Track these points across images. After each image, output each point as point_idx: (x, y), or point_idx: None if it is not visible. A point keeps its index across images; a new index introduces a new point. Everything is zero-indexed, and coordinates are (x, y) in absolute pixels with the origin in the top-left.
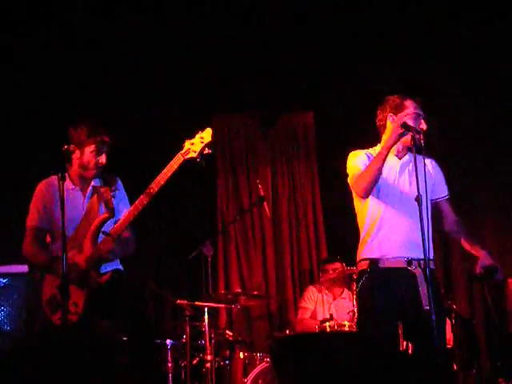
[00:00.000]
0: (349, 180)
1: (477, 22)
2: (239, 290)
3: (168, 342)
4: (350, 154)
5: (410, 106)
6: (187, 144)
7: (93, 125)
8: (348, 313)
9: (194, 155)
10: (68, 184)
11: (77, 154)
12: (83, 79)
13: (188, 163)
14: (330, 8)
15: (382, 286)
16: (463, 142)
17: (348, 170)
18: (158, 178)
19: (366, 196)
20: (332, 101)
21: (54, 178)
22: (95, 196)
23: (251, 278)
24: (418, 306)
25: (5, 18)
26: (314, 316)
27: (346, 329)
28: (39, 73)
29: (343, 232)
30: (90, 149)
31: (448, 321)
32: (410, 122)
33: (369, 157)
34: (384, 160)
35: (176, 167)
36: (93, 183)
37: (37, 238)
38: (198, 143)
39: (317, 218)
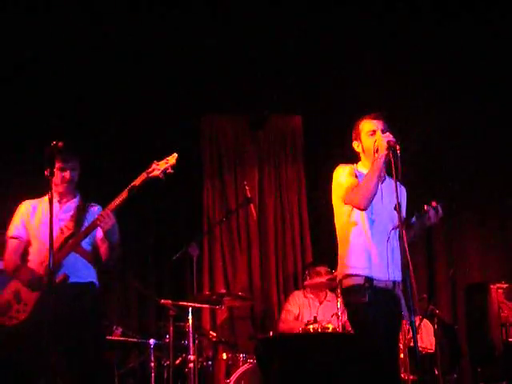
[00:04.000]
0: (342, 193)
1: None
2: (224, 291)
3: (151, 341)
4: (338, 169)
5: (362, 129)
6: (153, 165)
7: (56, 145)
8: (332, 316)
9: (158, 173)
10: (47, 200)
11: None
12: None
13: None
14: (322, 12)
15: (378, 306)
16: (446, 155)
17: (339, 184)
18: (122, 193)
19: (367, 207)
20: (321, 105)
21: (36, 199)
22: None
23: (236, 279)
24: (398, 324)
25: None
26: (299, 319)
27: (330, 331)
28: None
29: (329, 235)
30: (56, 166)
31: (430, 326)
32: (368, 142)
33: (356, 171)
34: (381, 169)
35: (139, 183)
36: (75, 201)
37: (16, 247)
38: (162, 164)
39: (302, 220)
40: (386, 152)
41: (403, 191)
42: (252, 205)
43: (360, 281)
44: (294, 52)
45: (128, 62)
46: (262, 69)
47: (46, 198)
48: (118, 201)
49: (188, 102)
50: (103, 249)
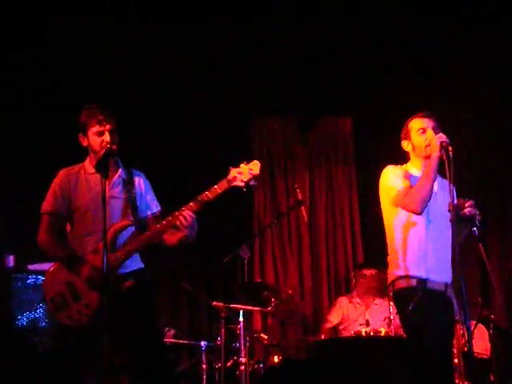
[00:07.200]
0: (394, 195)
1: None
2: None
3: (203, 343)
4: (387, 170)
5: (412, 127)
6: (234, 172)
7: (91, 107)
8: (384, 320)
9: (241, 184)
10: (88, 168)
11: (85, 140)
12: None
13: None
14: (373, 13)
15: (432, 308)
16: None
17: (390, 186)
18: (203, 196)
19: (423, 211)
20: (372, 107)
21: (74, 166)
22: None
23: (287, 281)
24: (451, 326)
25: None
26: (348, 322)
27: (383, 335)
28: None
29: (381, 237)
30: (92, 131)
31: (485, 330)
32: (418, 140)
33: (405, 172)
34: (435, 172)
35: (220, 191)
36: (121, 173)
37: (54, 225)
38: (246, 174)
39: (354, 223)
40: (439, 154)
41: (453, 190)
42: (303, 207)
43: (413, 283)
44: (343, 53)
45: (177, 64)
46: (312, 70)
47: (86, 167)
48: (195, 207)
49: (238, 104)
50: (168, 240)
